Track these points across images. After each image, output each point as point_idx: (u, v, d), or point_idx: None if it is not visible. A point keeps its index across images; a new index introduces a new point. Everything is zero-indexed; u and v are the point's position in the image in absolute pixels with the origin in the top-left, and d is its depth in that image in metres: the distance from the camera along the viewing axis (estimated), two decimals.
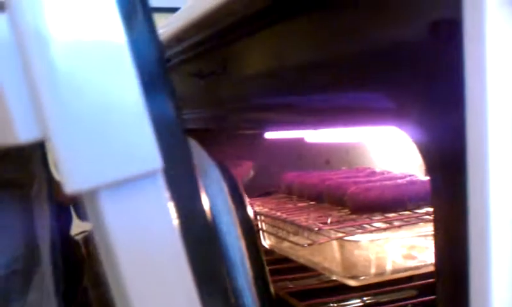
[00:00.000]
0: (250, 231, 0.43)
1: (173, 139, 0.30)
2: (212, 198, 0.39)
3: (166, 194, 0.28)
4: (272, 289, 0.44)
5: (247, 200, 0.44)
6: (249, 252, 0.41)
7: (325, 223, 0.86)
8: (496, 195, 0.36)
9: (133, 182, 0.27)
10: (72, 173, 0.27)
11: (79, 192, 0.27)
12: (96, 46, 0.27)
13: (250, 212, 0.44)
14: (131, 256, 0.28)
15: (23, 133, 0.28)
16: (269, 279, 0.44)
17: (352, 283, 0.84)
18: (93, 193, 0.27)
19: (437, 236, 0.45)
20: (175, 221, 0.29)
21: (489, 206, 0.36)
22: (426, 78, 0.43)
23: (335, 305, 1.07)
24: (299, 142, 1.29)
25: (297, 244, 0.88)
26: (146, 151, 0.27)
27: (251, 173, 1.38)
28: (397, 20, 0.46)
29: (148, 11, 0.31)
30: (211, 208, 0.39)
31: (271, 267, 1.11)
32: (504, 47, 0.36)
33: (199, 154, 0.42)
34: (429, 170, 0.43)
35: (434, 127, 0.42)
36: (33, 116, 0.27)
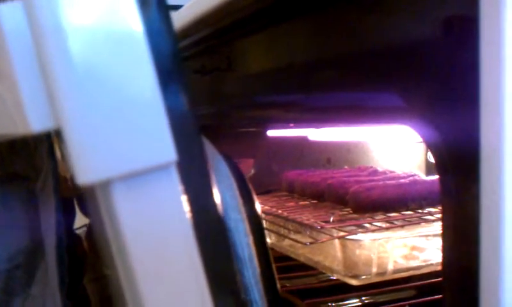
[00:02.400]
0: (258, 227, 0.42)
1: (187, 132, 0.29)
2: (221, 194, 0.39)
3: (180, 187, 0.28)
4: (278, 285, 0.44)
5: (255, 196, 0.44)
6: (257, 249, 0.41)
7: (327, 221, 0.85)
8: (510, 197, 0.35)
9: (147, 174, 0.27)
10: (85, 163, 0.26)
11: (92, 183, 0.26)
12: (113, 37, 0.27)
13: (258, 207, 0.44)
14: (143, 249, 0.27)
15: (35, 123, 0.27)
16: (276, 275, 0.44)
17: (353, 282, 0.84)
18: (106, 185, 0.27)
19: (445, 236, 0.44)
20: (188, 215, 0.28)
21: (502, 207, 0.35)
22: (439, 77, 0.42)
23: (333, 304, 1.07)
24: (301, 141, 1.29)
25: (299, 242, 0.88)
26: (161, 143, 0.27)
27: (251, 170, 1.37)
28: (408, 17, 0.45)
29: (163, 3, 0.30)
30: (220, 204, 0.39)
31: None
32: None
33: (208, 149, 0.41)
34: (440, 170, 0.43)
35: (447, 127, 0.41)
36: (46, 105, 0.27)
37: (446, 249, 0.44)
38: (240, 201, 0.41)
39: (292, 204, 1.05)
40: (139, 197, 0.27)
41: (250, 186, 0.44)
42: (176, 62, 0.30)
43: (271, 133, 1.24)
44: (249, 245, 0.40)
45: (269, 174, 1.30)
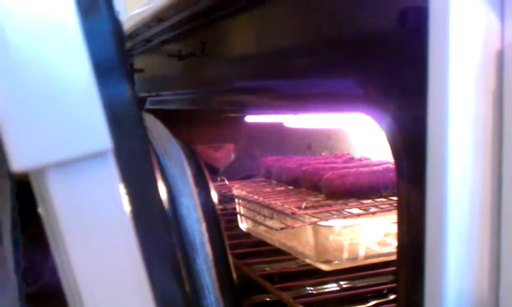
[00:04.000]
0: (212, 214, 0.43)
1: (127, 120, 0.30)
2: (172, 180, 0.39)
3: (117, 175, 0.28)
4: (233, 271, 0.44)
5: (211, 183, 0.44)
6: (211, 235, 0.41)
7: (299, 208, 0.86)
8: (452, 183, 0.36)
9: (82, 162, 0.27)
10: (19, 150, 0.26)
11: (26, 170, 0.26)
12: (47, 24, 0.27)
13: (214, 195, 0.44)
14: (79, 237, 0.28)
15: None
16: (231, 261, 0.44)
17: (324, 267, 0.85)
18: (40, 172, 0.27)
19: (400, 220, 0.45)
20: (126, 202, 0.29)
21: (446, 192, 0.36)
22: (393, 67, 0.43)
23: (312, 288, 1.08)
24: (282, 127, 1.29)
25: (271, 228, 0.88)
26: (96, 131, 0.27)
27: (232, 155, 1.38)
28: (366, 8, 0.45)
29: None
30: (171, 190, 0.39)
31: (249, 249, 1.12)
32: (468, 37, 0.36)
33: (162, 135, 0.41)
34: (395, 155, 0.44)
35: (400, 115, 0.42)
36: None
37: (400, 234, 0.45)
38: (194, 188, 0.41)
39: (268, 190, 1.05)
40: (75, 185, 0.27)
41: (207, 173, 0.44)
42: (117, 50, 0.30)
43: (250, 119, 1.24)
44: (202, 231, 0.40)
45: (250, 160, 1.30)
